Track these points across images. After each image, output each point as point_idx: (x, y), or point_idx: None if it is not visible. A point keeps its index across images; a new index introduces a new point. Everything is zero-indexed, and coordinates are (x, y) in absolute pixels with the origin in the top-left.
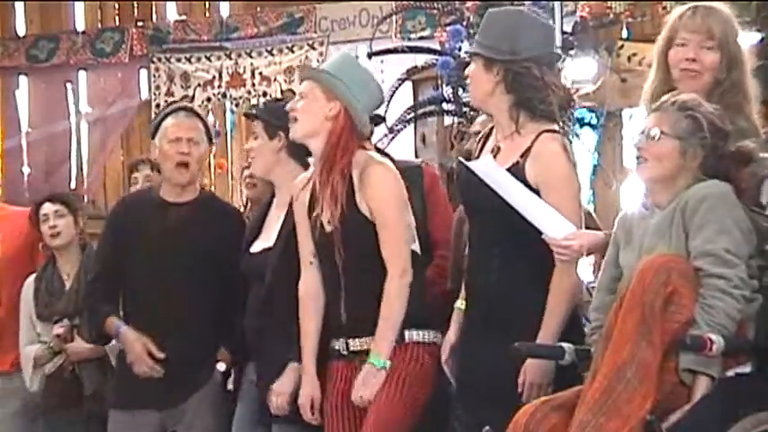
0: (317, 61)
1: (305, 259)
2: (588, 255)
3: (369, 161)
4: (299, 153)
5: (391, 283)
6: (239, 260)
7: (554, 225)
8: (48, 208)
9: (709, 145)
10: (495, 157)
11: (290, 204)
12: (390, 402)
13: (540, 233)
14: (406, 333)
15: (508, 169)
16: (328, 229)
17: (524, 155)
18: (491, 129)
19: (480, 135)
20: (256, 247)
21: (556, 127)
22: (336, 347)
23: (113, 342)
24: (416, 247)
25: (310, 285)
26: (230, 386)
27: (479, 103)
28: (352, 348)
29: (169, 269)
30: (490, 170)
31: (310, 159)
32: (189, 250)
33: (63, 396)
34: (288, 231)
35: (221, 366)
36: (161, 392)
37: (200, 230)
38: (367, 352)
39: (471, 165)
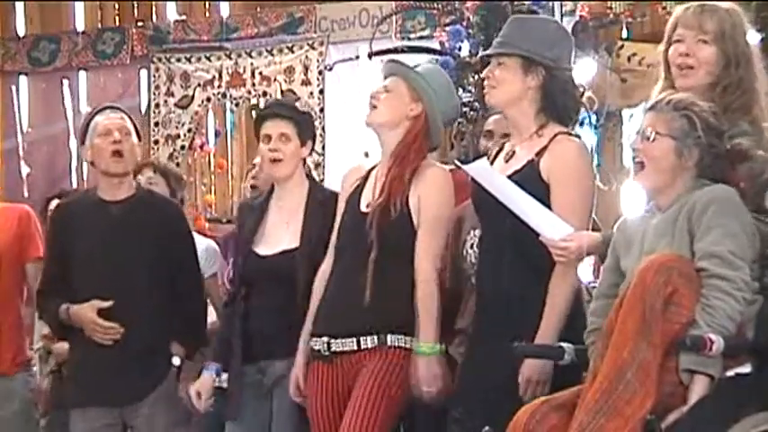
0: (317, 61)
1: (333, 244)
2: (587, 255)
3: (431, 163)
4: (305, 160)
5: (428, 283)
6: (183, 250)
7: (551, 227)
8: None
9: (704, 144)
10: (507, 161)
11: (307, 205)
12: (370, 403)
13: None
14: (389, 337)
15: (523, 167)
16: (364, 209)
17: (540, 153)
18: (503, 144)
19: (491, 151)
20: (268, 251)
21: (572, 131)
22: (317, 348)
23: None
24: None
25: (330, 271)
26: (221, 384)
27: (502, 103)
28: (333, 349)
29: (114, 268)
30: (485, 173)
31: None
32: (131, 247)
33: (53, 395)
34: (315, 234)
35: (176, 360)
36: (119, 389)
37: (140, 226)
38: (348, 353)
39: (466, 168)
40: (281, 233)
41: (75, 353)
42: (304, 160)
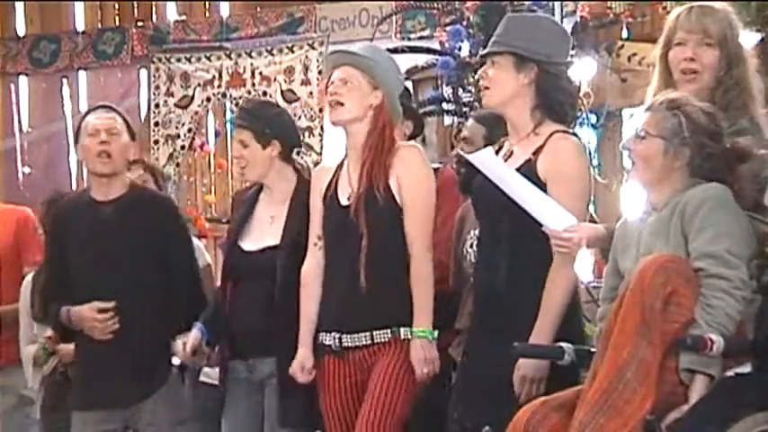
0: (317, 61)
1: (312, 240)
2: (588, 248)
3: (402, 144)
4: (290, 156)
5: (423, 263)
6: (179, 248)
7: (554, 217)
8: None
9: (692, 144)
10: (506, 160)
11: (291, 202)
12: (388, 396)
13: (542, 225)
14: (402, 331)
15: (520, 166)
16: (344, 202)
17: (537, 152)
18: (502, 143)
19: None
20: (252, 246)
21: (569, 129)
22: (327, 342)
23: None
24: None
25: (313, 267)
26: (212, 381)
27: (499, 103)
28: (344, 344)
29: (109, 269)
30: (489, 162)
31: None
32: (124, 247)
33: (57, 397)
34: (296, 231)
35: (176, 360)
36: (121, 390)
37: (132, 225)
38: (361, 347)
39: (471, 157)
40: (266, 229)
41: (78, 355)
42: (290, 158)
